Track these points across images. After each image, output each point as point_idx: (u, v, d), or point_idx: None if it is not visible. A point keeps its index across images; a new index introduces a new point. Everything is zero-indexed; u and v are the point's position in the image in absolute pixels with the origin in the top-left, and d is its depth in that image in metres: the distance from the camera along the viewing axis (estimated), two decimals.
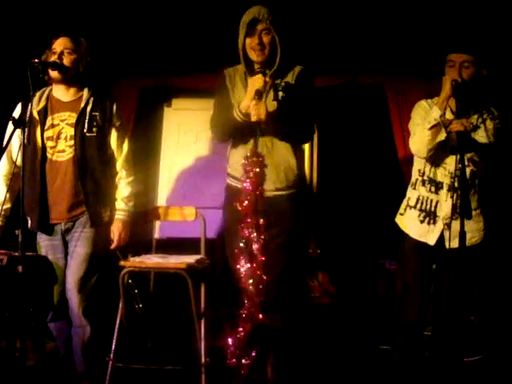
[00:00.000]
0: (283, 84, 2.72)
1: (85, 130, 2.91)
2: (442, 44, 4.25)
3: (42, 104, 2.98)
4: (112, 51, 4.74)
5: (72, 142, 2.91)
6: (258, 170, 2.65)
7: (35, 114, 2.94)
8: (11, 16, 4.29)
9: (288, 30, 2.78)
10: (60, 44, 2.91)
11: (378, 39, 4.66)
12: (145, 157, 4.97)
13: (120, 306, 2.95)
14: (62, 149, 2.93)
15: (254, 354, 2.61)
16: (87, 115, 2.93)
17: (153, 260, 3.01)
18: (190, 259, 2.96)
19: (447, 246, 2.80)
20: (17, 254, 2.49)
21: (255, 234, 2.66)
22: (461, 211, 2.47)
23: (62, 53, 2.89)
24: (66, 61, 2.90)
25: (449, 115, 2.80)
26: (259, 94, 2.56)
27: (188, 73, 4.98)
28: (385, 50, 4.72)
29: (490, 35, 4.07)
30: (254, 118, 2.59)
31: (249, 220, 2.68)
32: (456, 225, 2.64)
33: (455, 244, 2.62)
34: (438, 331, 2.89)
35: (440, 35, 4.37)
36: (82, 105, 2.94)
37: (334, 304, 4.81)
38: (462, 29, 4.17)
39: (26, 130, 2.81)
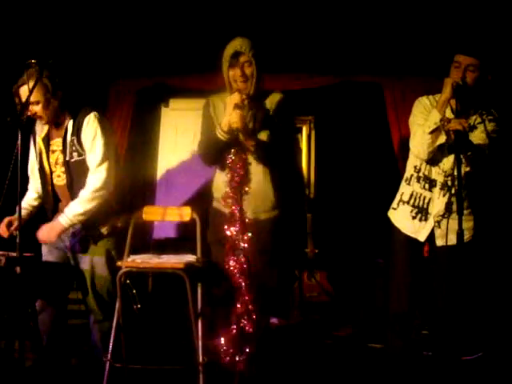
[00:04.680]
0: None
1: (67, 158, 2.96)
2: (438, 42, 4.27)
3: (45, 131, 3.05)
4: (110, 52, 4.75)
5: (64, 169, 2.99)
6: (240, 165, 2.73)
7: (39, 141, 3.03)
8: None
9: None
10: (24, 95, 2.81)
11: (375, 38, 4.66)
12: (142, 157, 4.97)
13: (117, 306, 2.95)
14: (58, 174, 3.02)
15: (247, 350, 2.64)
16: (68, 142, 2.97)
17: (150, 260, 3.00)
18: (188, 259, 2.97)
19: (437, 244, 2.82)
20: (15, 254, 2.50)
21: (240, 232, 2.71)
22: (457, 209, 2.49)
23: (29, 105, 2.80)
24: (38, 111, 2.90)
25: (449, 114, 2.80)
26: (238, 107, 2.68)
27: (185, 73, 4.98)
28: (382, 48, 4.72)
29: (498, 38, 4.06)
30: (232, 126, 2.68)
31: (234, 217, 2.74)
32: (446, 223, 2.67)
33: (444, 242, 2.66)
34: (435, 330, 2.90)
35: (437, 34, 4.38)
36: (63, 132, 2.98)
37: (332, 303, 4.82)
38: (471, 31, 4.14)
39: (37, 156, 3.00)
